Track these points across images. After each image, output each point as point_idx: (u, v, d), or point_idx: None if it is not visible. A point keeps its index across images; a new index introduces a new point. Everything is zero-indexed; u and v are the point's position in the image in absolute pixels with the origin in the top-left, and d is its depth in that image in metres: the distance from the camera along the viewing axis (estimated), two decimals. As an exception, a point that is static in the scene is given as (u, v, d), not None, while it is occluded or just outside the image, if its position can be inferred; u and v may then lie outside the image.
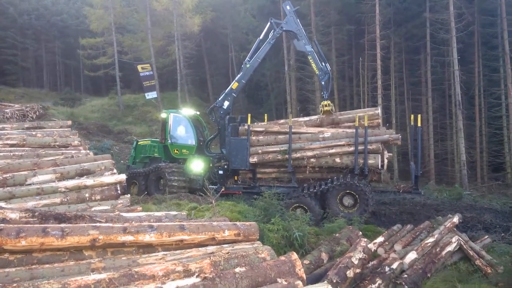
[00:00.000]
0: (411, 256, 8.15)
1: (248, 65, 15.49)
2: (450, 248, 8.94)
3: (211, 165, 15.76)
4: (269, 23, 15.76)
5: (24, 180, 7.33)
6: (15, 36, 47.31)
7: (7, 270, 3.68)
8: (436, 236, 9.30)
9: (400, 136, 13.89)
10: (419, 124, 13.38)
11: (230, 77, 44.58)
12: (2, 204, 6.23)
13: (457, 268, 8.71)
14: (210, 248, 4.62)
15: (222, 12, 42.67)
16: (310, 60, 15.24)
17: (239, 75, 15.78)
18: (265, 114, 16.77)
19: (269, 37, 15.58)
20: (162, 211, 7.63)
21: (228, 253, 4.36)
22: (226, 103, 15.57)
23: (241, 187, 14.84)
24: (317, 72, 15.11)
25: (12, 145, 9.53)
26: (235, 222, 5.31)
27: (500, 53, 29.99)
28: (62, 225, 4.21)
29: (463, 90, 28.65)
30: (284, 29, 15.53)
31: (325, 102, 14.28)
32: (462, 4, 28.56)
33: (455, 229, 10.65)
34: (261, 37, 15.69)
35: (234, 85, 15.72)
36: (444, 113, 33.83)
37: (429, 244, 8.85)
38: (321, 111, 14.42)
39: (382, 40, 28.83)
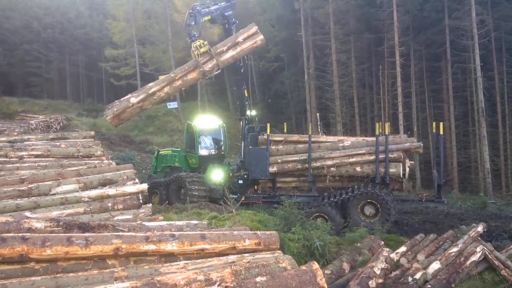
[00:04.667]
0: (435, 266, 8.02)
1: None
2: (474, 258, 8.75)
3: (230, 174, 15.80)
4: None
5: (49, 190, 7.48)
6: (40, 49, 48.51)
7: (33, 278, 3.76)
8: (460, 245, 9.13)
9: (422, 144, 13.74)
10: (441, 132, 13.20)
11: (249, 86, 44.72)
12: (28, 213, 6.38)
13: (482, 279, 8.53)
14: (231, 257, 4.63)
15: (241, 23, 42.91)
16: None
17: None
18: (285, 123, 16.75)
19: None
20: (183, 220, 7.68)
21: (249, 262, 4.36)
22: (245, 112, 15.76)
23: (261, 196, 14.83)
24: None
25: (37, 156, 9.76)
26: (255, 231, 5.32)
27: (524, 59, 29.51)
28: (86, 234, 4.28)
29: (486, 97, 28.18)
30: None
31: (198, 43, 12.02)
32: (484, 10, 28.19)
33: (479, 239, 10.43)
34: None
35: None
36: (467, 121, 33.30)
37: (453, 253, 8.70)
38: (197, 55, 11.84)
39: (401, 47, 28.63)
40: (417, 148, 13.38)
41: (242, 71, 15.32)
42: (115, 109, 9.14)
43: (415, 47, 32.20)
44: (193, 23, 12.59)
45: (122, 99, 11.14)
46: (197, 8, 12.99)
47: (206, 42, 11.47)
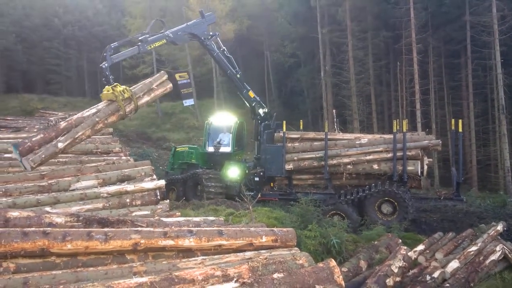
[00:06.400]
0: (453, 264, 7.92)
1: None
2: (494, 257, 8.63)
3: (247, 171, 15.82)
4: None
5: (68, 186, 7.59)
6: (59, 46, 49.14)
7: (54, 272, 3.82)
8: (479, 244, 9.01)
9: (441, 142, 13.57)
10: (460, 130, 13.03)
11: (265, 83, 44.74)
12: (48, 208, 6.48)
13: (502, 278, 8.40)
14: (248, 254, 4.63)
15: (257, 20, 42.92)
16: None
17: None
18: (301, 120, 16.68)
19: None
20: (200, 216, 7.73)
21: (266, 258, 4.36)
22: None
23: (277, 193, 14.86)
24: None
25: (56, 152, 9.85)
26: (272, 228, 5.31)
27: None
28: (106, 229, 4.33)
29: (507, 94, 27.71)
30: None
31: (121, 88, 10.37)
32: (506, 5, 27.71)
33: (499, 238, 10.27)
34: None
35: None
36: (487, 118, 32.76)
37: (472, 252, 8.58)
38: (121, 100, 10.11)
39: (418, 44, 28.32)
40: (435, 145, 13.23)
41: (238, 76, 15.48)
42: (43, 156, 8.54)
43: (434, 44, 31.79)
44: (106, 65, 11.75)
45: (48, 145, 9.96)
46: (112, 44, 12.19)
47: (129, 88, 10.67)
